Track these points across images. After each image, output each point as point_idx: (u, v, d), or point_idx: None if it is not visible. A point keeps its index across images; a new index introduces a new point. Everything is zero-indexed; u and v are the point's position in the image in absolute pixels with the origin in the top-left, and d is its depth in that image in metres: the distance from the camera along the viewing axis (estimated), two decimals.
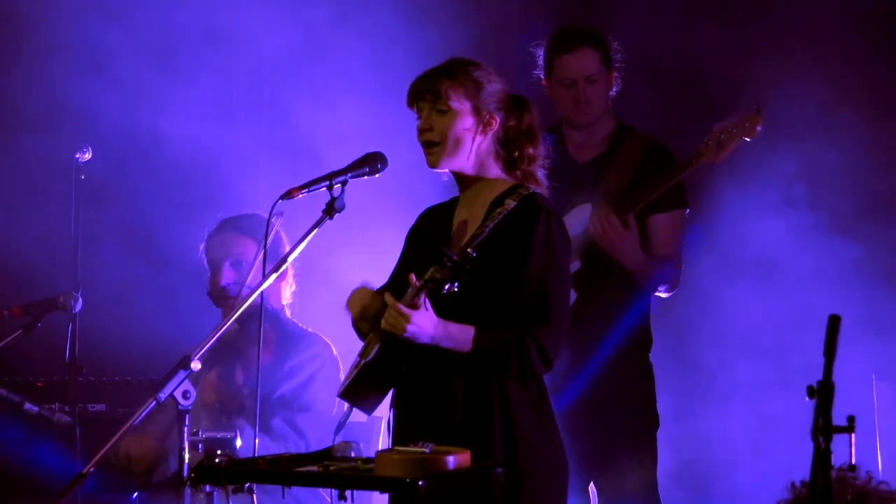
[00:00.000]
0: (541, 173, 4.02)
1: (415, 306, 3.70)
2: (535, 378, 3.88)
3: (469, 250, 3.66)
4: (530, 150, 3.99)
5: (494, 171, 3.98)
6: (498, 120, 3.95)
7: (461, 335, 3.78)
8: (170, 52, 6.13)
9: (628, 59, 5.04)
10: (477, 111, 3.92)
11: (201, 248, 5.12)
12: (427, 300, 3.71)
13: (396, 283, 3.92)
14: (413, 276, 3.70)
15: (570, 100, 4.96)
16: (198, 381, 4.76)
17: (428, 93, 3.92)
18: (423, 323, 3.72)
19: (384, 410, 4.02)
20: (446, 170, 3.98)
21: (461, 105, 3.91)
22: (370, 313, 3.89)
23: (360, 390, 3.89)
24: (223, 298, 4.94)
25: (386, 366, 3.84)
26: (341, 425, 3.95)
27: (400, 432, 3.91)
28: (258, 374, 4.23)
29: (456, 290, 3.66)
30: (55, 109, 6.05)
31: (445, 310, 3.77)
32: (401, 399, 3.95)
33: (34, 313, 5.17)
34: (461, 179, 4.00)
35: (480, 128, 3.93)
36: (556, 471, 3.91)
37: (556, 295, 3.85)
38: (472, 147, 3.93)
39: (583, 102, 4.94)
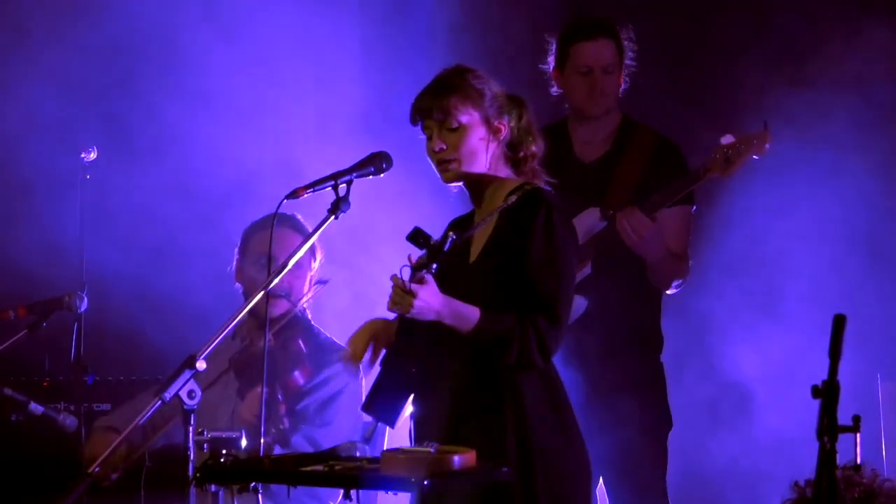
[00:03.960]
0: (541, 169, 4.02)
1: (419, 282, 3.70)
2: (550, 374, 3.88)
3: (451, 233, 3.66)
4: (533, 148, 4.00)
5: (504, 172, 3.99)
6: (505, 125, 3.95)
7: (466, 313, 3.76)
8: (173, 50, 6.14)
9: (642, 52, 5.03)
10: (486, 120, 3.92)
11: (250, 235, 5.05)
12: (431, 277, 3.71)
13: None
14: (410, 256, 3.70)
15: (584, 87, 4.92)
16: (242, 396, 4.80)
17: (436, 111, 3.90)
18: (429, 298, 3.70)
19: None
20: (460, 182, 3.98)
21: (471, 118, 3.90)
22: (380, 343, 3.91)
23: (378, 401, 3.91)
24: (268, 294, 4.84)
25: (397, 371, 3.85)
26: (369, 437, 3.95)
27: (419, 436, 3.90)
28: (263, 384, 4.20)
29: (433, 271, 3.66)
30: (60, 109, 6.06)
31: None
32: (416, 404, 3.94)
33: (39, 313, 5.15)
34: (475, 187, 3.99)
35: (491, 136, 3.93)
36: (574, 470, 3.90)
37: (558, 287, 3.83)
38: (487, 156, 3.93)
39: (598, 91, 4.91)
